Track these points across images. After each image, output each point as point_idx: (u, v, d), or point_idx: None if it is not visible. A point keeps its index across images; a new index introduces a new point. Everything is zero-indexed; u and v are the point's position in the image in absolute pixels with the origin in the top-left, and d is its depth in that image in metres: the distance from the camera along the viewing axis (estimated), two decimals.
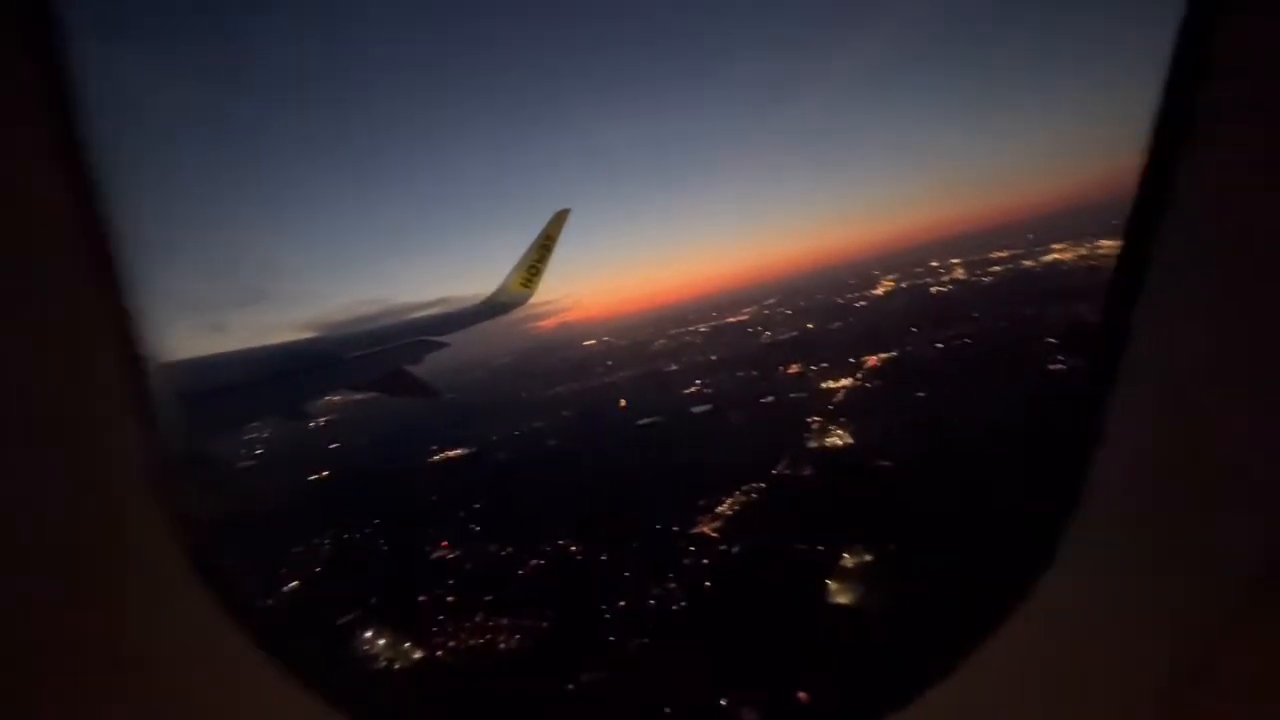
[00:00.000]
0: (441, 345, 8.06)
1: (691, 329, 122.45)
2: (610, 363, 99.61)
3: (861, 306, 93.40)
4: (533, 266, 11.09)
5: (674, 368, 77.75)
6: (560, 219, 11.13)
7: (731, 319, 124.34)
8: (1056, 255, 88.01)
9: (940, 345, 49.95)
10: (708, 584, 23.03)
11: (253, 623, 1.37)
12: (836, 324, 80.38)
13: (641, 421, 50.82)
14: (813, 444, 34.30)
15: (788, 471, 31.00)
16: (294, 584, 31.62)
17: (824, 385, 47.52)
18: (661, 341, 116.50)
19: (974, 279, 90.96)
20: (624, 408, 60.81)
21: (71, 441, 1.18)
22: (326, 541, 36.39)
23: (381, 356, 7.55)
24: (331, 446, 71.21)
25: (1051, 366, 36.61)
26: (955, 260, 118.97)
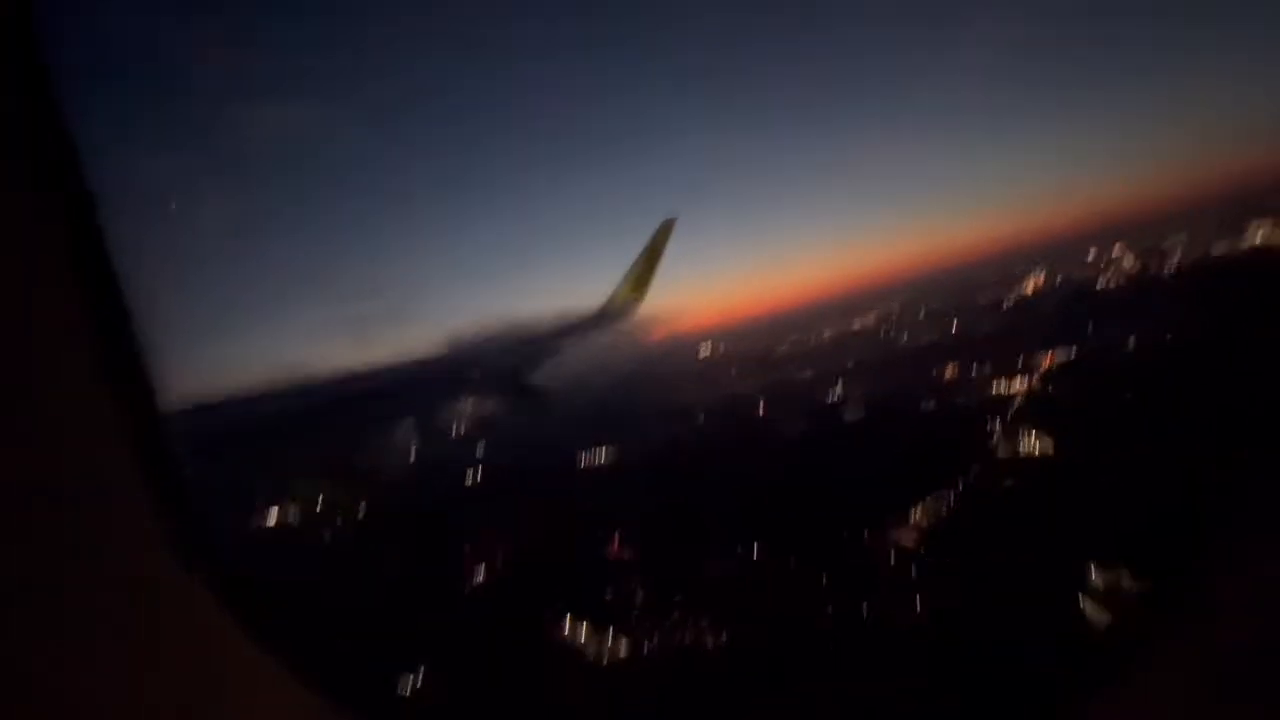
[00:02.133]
0: (556, 353, 8.01)
1: (814, 334, 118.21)
2: (734, 370, 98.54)
3: (1010, 305, 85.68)
4: (640, 275, 11.27)
5: (809, 373, 75.36)
6: (666, 229, 11.20)
7: (858, 324, 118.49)
8: (1262, 236, 75.70)
9: (1133, 342, 44.59)
10: (919, 595, 21.82)
11: None
12: (986, 324, 74.25)
13: (789, 428, 49.62)
14: (1003, 453, 31.67)
15: (982, 482, 28.82)
16: (480, 578, 33.88)
17: (994, 392, 43.92)
18: (783, 348, 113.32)
19: (1150, 269, 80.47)
20: (762, 415, 59.74)
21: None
22: (502, 540, 38.67)
23: (504, 366, 7.68)
24: (478, 453, 76.18)
25: None
26: (1119, 248, 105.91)
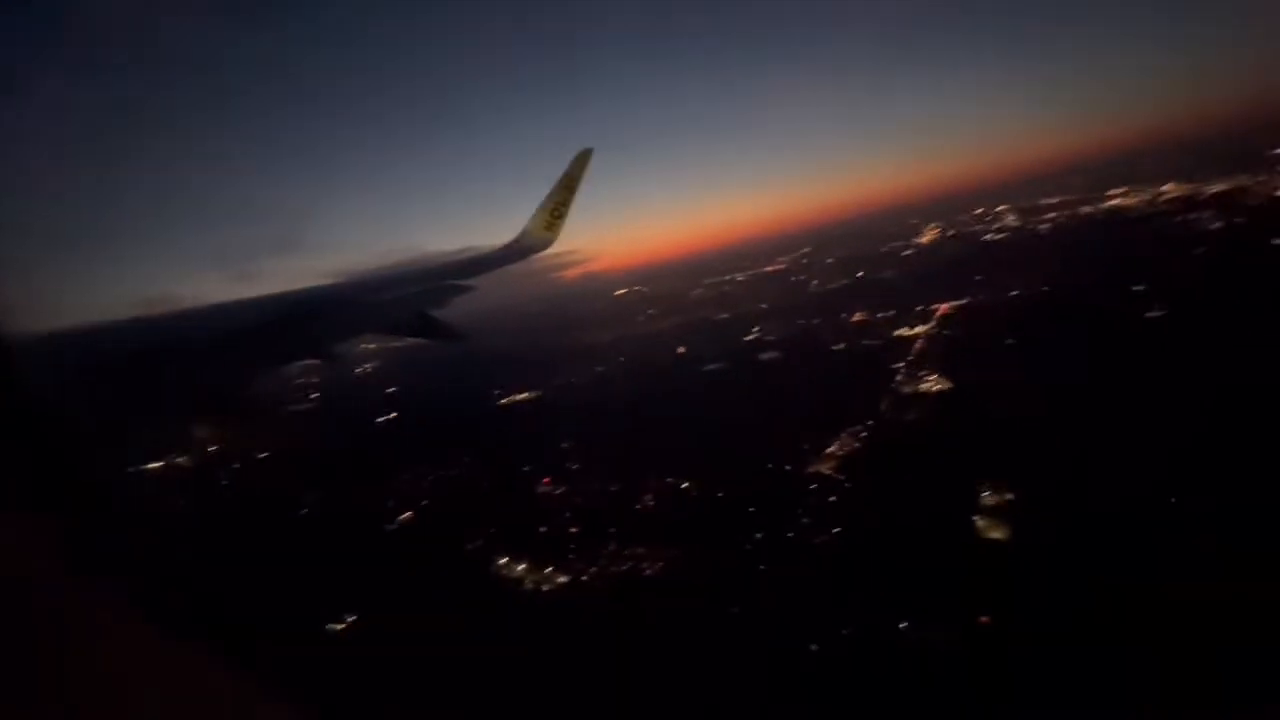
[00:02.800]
0: (467, 289, 8.09)
1: (727, 278, 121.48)
2: (651, 311, 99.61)
3: (909, 255, 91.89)
4: (555, 209, 11.01)
5: (725, 315, 77.70)
6: (583, 160, 11.09)
7: (769, 268, 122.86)
8: (1119, 201, 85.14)
9: (1015, 293, 49.40)
10: (842, 519, 23.95)
11: None
12: (889, 272, 79.34)
13: (709, 367, 51.29)
14: (908, 389, 34.64)
15: (891, 414, 31.55)
16: (406, 514, 33.15)
17: (897, 333, 47.46)
18: (698, 291, 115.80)
19: (1028, 226, 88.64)
20: (682, 354, 61.27)
21: None
22: (428, 476, 37.86)
23: (407, 300, 7.57)
24: (389, 390, 73.02)
25: (1149, 315, 36.27)
26: (1003, 207, 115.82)
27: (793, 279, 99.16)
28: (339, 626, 24.00)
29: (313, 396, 77.45)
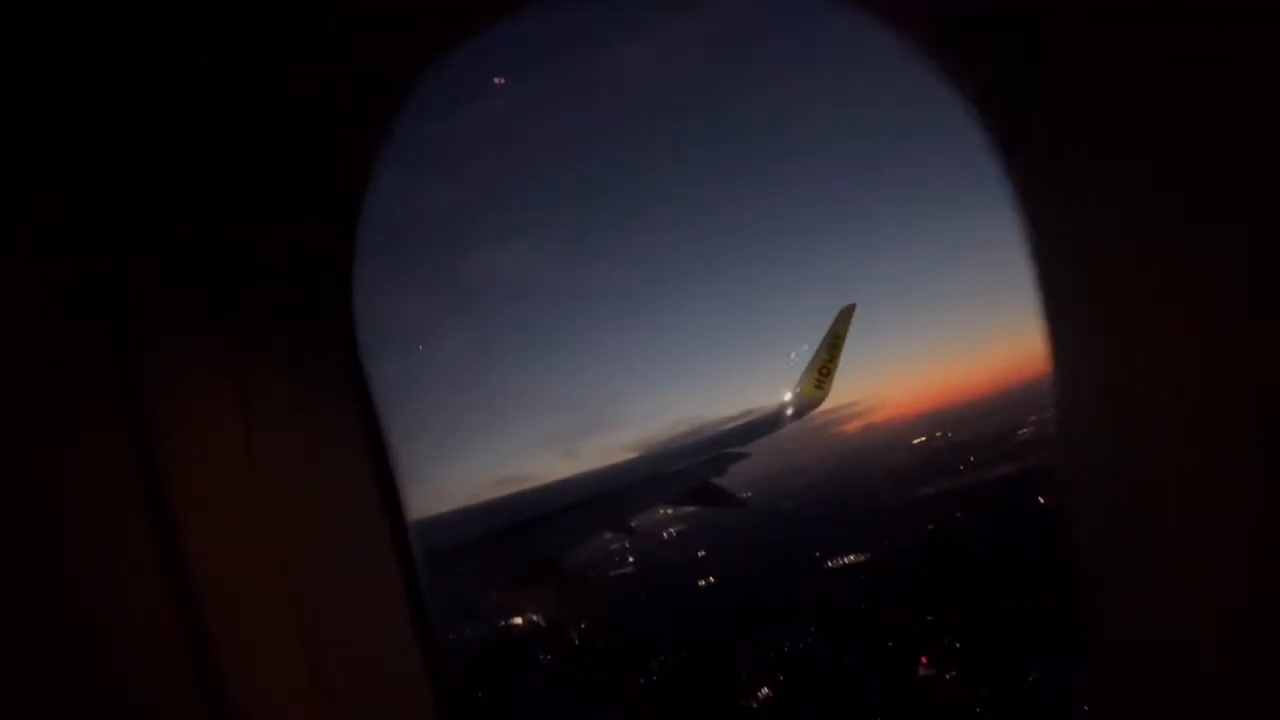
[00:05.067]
0: (743, 455, 8.43)
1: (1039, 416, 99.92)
2: (973, 458, 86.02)
3: None
4: (824, 367, 11.02)
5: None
6: (846, 316, 11.28)
7: None
8: None
9: None
10: None
11: None
12: None
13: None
14: None
15: None
16: (764, 691, 30.09)
17: None
18: (1025, 431, 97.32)
19: None
20: (1044, 504, 49.71)
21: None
22: (772, 649, 34.77)
23: (691, 471, 8.02)
24: (700, 554, 73.59)
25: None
26: None
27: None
28: None
29: (629, 561, 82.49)
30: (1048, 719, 21.45)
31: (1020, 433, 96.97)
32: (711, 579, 59.61)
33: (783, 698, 28.83)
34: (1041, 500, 51.10)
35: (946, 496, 66.17)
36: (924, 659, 28.25)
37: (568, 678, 39.24)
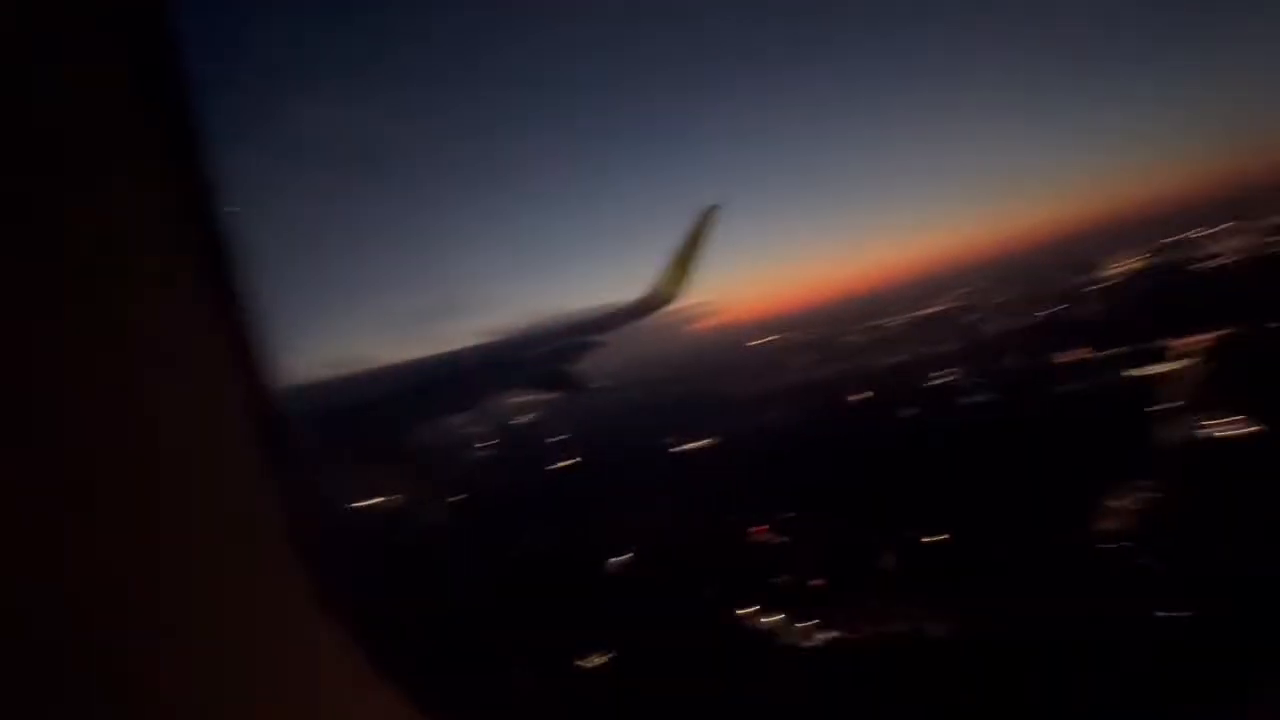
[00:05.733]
0: (599, 344, 8.50)
1: (881, 322, 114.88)
2: (806, 359, 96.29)
3: (1109, 288, 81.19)
4: (683, 263, 11.08)
5: (897, 360, 72.80)
6: (709, 215, 11.26)
7: (927, 310, 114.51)
8: None
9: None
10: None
11: None
12: (1090, 308, 70.50)
13: (904, 413, 47.54)
14: (1197, 432, 29.26)
15: (1199, 464, 26.63)
16: (626, 556, 32.91)
17: (1129, 373, 41.34)
18: (851, 337, 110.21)
19: (1264, 247, 74.79)
20: (864, 400, 57.63)
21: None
22: (629, 522, 37.72)
23: (544, 357, 8.08)
24: (558, 438, 76.01)
25: None
26: (1211, 230, 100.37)
27: (963, 320, 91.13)
28: (592, 664, 23.64)
29: (479, 446, 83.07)
30: (858, 569, 26.10)
31: (846, 338, 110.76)
32: (571, 460, 62.50)
33: (642, 564, 31.78)
34: (857, 397, 59.78)
35: (782, 390, 74.40)
36: (761, 529, 32.49)
37: (435, 557, 39.71)
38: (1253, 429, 27.91)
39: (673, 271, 11.51)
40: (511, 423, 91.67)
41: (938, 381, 55.69)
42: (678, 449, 57.10)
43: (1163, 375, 39.65)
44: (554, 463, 64.04)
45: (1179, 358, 41.34)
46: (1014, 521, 26.32)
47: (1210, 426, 29.45)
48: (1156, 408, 34.19)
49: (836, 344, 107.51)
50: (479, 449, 79.90)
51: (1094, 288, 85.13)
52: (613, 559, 33.19)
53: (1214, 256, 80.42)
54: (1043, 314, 75.58)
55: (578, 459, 60.86)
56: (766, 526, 32.27)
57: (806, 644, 22.01)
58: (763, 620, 23.78)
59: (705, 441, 56.15)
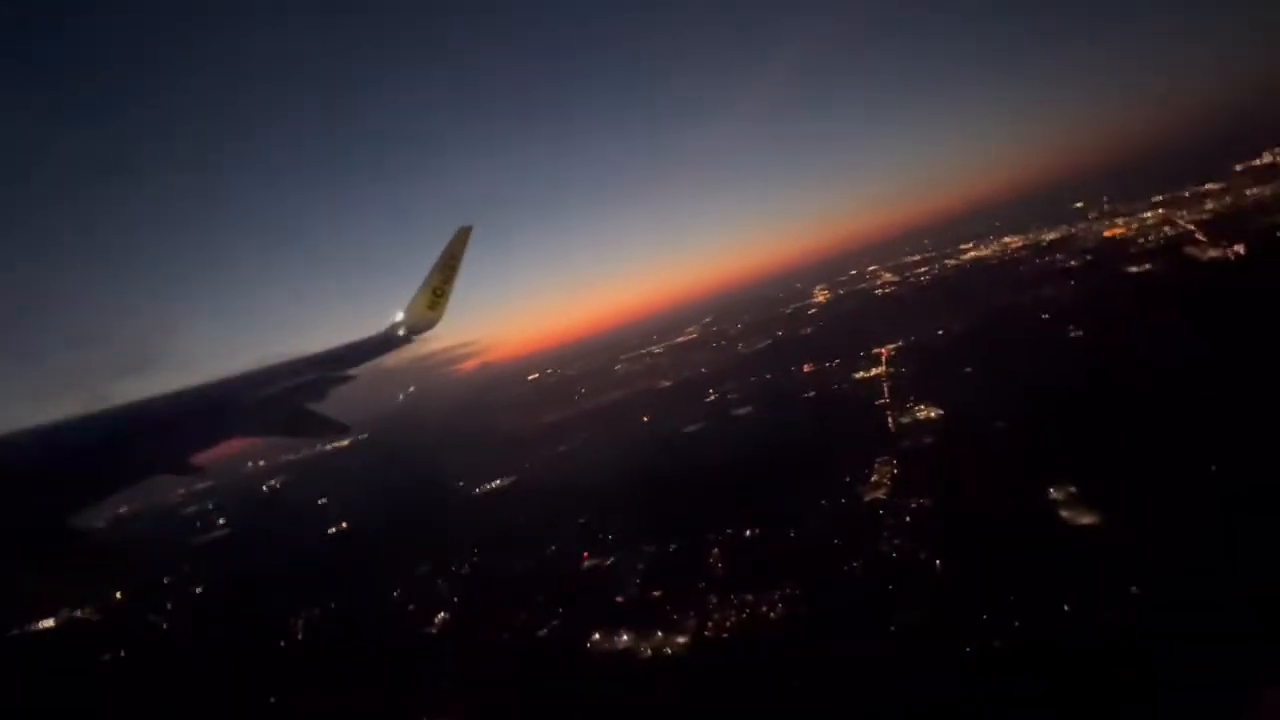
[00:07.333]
0: (346, 379, 7.54)
1: (644, 352, 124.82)
2: (583, 389, 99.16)
3: (815, 313, 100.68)
4: (437, 289, 10.48)
5: (667, 383, 79.43)
6: (463, 237, 10.76)
7: (681, 339, 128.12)
8: (975, 254, 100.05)
9: (941, 331, 56.17)
10: (927, 533, 25.37)
11: None
12: (806, 329, 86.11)
13: (688, 429, 52.05)
14: (905, 419, 37.88)
15: (909, 441, 34.36)
16: (442, 615, 29.44)
17: (856, 376, 51.90)
18: (620, 366, 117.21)
19: (909, 279, 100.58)
20: (649, 421, 61.66)
21: None
22: (439, 578, 34.12)
23: (279, 397, 6.75)
24: (320, 501, 65.43)
25: (1073, 334, 43.11)
26: (874, 267, 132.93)
27: (714, 345, 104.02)
28: None
29: (220, 523, 67.59)
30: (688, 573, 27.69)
31: (616, 367, 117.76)
32: (344, 525, 54.24)
33: (465, 618, 29.20)
34: (645, 419, 64.04)
35: (568, 420, 75.57)
36: (585, 555, 32.52)
37: (169, 669, 30.78)
38: (936, 411, 37.34)
39: (427, 297, 10.32)
40: (260, 491, 76.42)
41: (709, 399, 62.68)
42: (478, 491, 53.62)
43: (874, 377, 50.50)
44: (326, 529, 55.23)
45: (880, 364, 53.28)
46: (809, 503, 30.63)
47: (914, 410, 38.51)
48: (879, 401, 43.42)
49: (611, 373, 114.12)
50: (217, 528, 65.01)
51: (810, 311, 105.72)
52: (435, 619, 29.97)
53: (882, 285, 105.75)
54: (778, 335, 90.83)
55: (345, 524, 53.23)
56: (588, 553, 32.47)
57: (666, 651, 22.61)
58: (615, 643, 23.77)
59: (503, 481, 53.87)
